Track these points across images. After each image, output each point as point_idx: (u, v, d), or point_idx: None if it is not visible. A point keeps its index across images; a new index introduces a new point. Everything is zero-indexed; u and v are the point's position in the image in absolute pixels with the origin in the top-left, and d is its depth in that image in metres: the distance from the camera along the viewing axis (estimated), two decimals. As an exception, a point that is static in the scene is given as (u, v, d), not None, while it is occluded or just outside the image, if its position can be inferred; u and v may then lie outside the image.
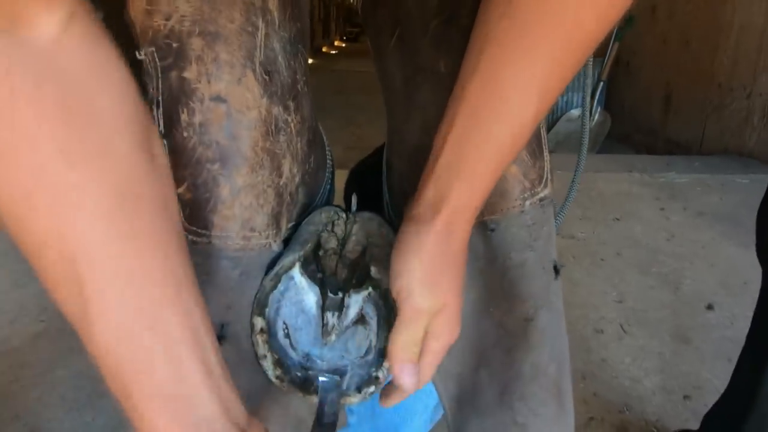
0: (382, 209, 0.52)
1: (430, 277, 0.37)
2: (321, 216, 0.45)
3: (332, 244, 0.44)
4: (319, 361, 0.42)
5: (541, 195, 0.47)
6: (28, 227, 0.28)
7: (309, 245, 0.42)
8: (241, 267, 0.41)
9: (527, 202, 0.46)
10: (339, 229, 0.45)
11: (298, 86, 0.44)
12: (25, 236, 0.28)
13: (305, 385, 0.42)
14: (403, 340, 0.38)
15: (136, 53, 0.40)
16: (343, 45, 9.90)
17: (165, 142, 0.43)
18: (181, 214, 0.44)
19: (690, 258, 1.47)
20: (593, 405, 0.96)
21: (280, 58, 0.42)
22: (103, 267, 0.28)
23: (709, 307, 1.25)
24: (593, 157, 2.53)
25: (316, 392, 0.42)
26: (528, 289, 0.46)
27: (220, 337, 0.43)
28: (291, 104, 0.43)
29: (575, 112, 3.08)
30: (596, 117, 3.02)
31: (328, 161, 0.54)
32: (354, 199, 0.48)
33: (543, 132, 0.47)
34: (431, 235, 0.37)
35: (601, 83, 2.93)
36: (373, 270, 0.41)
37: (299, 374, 0.41)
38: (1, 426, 0.90)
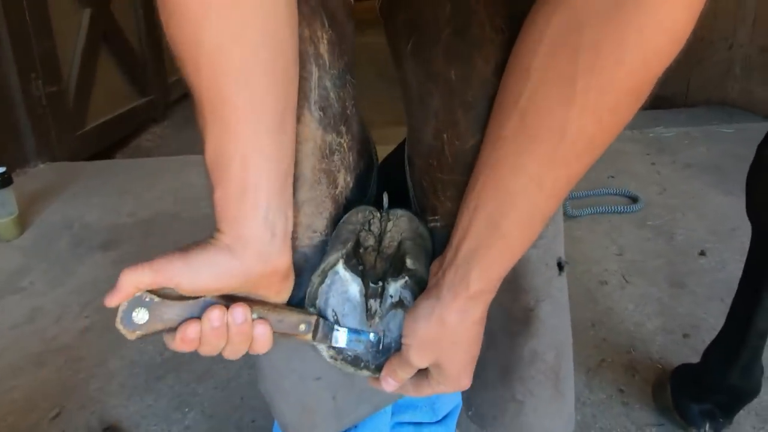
0: (411, 201, 0.57)
1: (430, 344, 0.45)
2: (358, 216, 0.51)
3: (370, 241, 0.50)
4: None
5: None
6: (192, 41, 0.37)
7: (350, 243, 0.48)
8: (306, 258, 0.49)
9: None
10: (375, 227, 0.51)
11: (348, 111, 0.50)
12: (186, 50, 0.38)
13: (356, 361, 0.49)
14: (394, 367, 0.48)
15: None
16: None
17: None
18: None
19: (681, 209, 1.57)
20: (604, 348, 1.07)
21: (331, 94, 0.48)
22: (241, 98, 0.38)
23: (702, 253, 1.36)
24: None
25: (366, 368, 0.49)
26: (531, 282, 0.51)
27: None
28: (343, 128, 0.50)
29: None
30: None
31: (373, 158, 0.59)
32: (386, 198, 0.54)
33: None
34: (449, 315, 0.44)
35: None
36: (408, 261, 0.47)
37: (350, 353, 0.49)
38: (70, 416, 0.98)
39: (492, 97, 0.46)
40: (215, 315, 0.42)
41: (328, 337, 0.47)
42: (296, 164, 0.47)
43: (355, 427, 0.60)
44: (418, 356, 0.46)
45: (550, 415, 0.53)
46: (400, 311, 0.48)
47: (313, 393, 0.53)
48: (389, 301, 0.48)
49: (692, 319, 1.14)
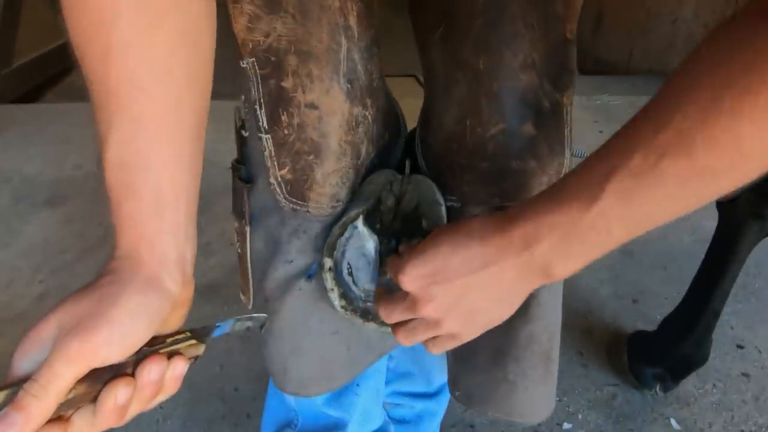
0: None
1: (439, 274, 0.40)
2: (381, 177, 0.53)
3: (390, 201, 0.52)
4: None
5: None
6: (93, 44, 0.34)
7: (371, 201, 0.50)
8: (329, 227, 0.51)
9: None
10: (396, 189, 0.53)
11: (374, 84, 0.51)
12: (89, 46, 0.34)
13: (364, 313, 0.51)
14: (388, 301, 0.45)
15: (240, 61, 0.47)
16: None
17: (269, 136, 0.49)
18: (284, 189, 0.50)
19: (628, 179, 1.69)
20: (562, 312, 1.16)
21: (359, 66, 0.49)
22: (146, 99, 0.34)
23: (646, 223, 1.48)
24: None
25: (373, 320, 0.51)
26: None
27: (310, 275, 0.53)
28: (368, 101, 0.51)
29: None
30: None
31: (401, 128, 0.61)
32: (408, 164, 0.56)
33: (567, 131, 0.52)
34: (510, 257, 0.38)
35: None
36: (424, 222, 0.50)
37: (360, 305, 0.51)
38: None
39: (516, 90, 0.47)
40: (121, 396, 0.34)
41: (210, 332, 0.42)
42: (323, 136, 0.48)
43: (357, 384, 0.64)
44: (410, 280, 0.42)
45: (538, 396, 0.56)
46: None
47: (330, 346, 0.55)
48: None
49: (640, 286, 1.25)
